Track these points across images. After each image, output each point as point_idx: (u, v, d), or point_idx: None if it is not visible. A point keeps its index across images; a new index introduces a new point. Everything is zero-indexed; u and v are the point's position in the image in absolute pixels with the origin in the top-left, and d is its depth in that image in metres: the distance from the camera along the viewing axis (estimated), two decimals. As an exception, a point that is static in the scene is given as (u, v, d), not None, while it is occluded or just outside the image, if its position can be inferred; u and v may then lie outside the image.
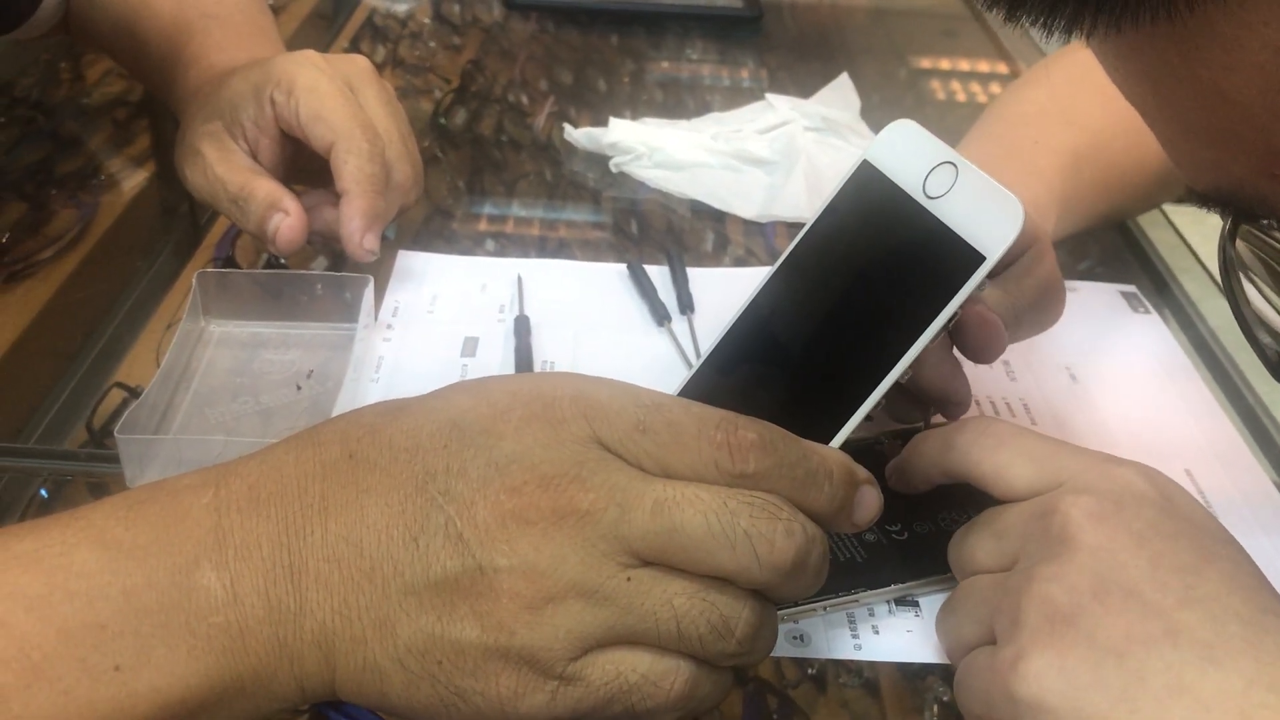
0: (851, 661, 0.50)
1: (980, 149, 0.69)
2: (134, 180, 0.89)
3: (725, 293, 0.72)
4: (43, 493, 0.59)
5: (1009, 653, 0.40)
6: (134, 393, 0.64)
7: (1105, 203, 0.73)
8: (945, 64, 1.21)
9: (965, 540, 0.47)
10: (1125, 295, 0.75)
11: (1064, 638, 0.39)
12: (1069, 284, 0.75)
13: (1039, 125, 0.71)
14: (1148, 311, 0.74)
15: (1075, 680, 0.38)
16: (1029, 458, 0.45)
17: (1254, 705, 0.36)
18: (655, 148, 0.89)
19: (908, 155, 0.46)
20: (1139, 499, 0.42)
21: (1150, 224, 0.86)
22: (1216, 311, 0.75)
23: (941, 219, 0.44)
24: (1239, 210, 0.37)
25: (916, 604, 0.51)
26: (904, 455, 0.51)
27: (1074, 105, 0.72)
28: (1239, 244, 0.40)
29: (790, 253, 0.49)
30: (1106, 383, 0.67)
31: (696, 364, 0.50)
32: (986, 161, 0.46)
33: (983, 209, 0.43)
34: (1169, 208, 0.88)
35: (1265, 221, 0.38)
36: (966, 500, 0.49)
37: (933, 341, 0.43)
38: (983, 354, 0.52)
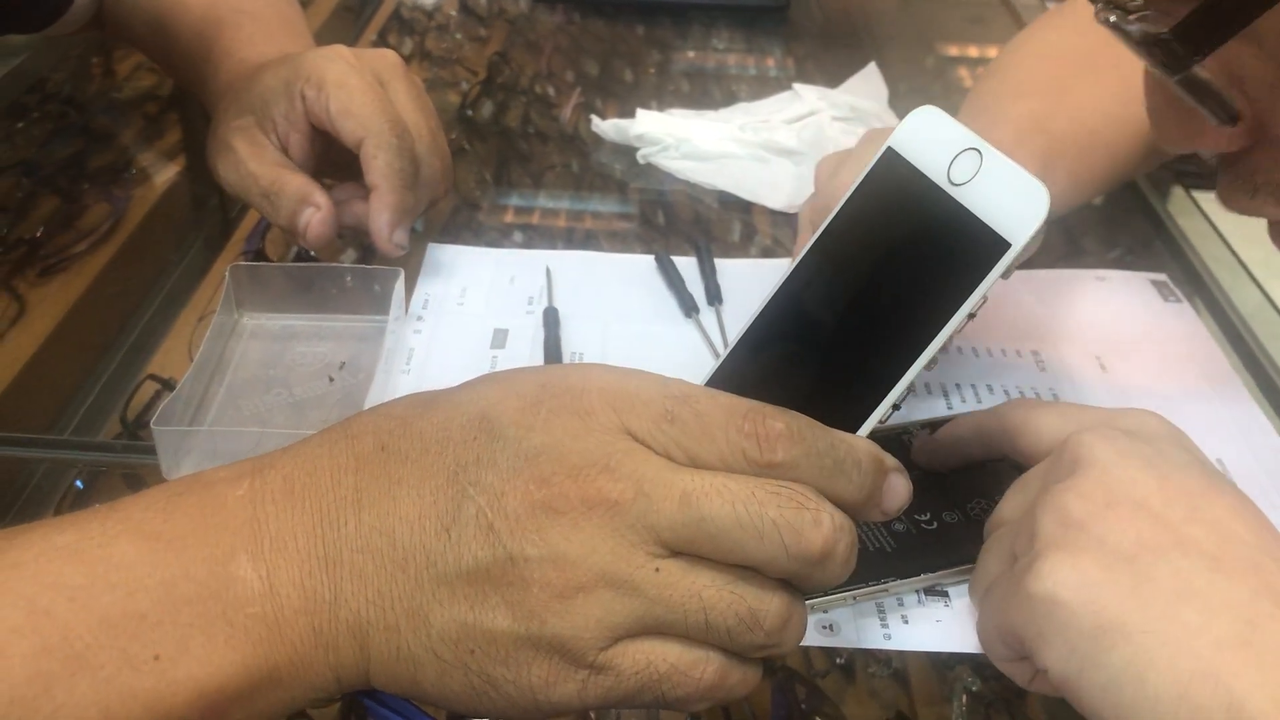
0: (880, 651, 0.50)
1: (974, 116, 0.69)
2: (165, 174, 0.90)
3: (753, 283, 0.72)
4: (78, 483, 0.60)
5: (1025, 560, 0.42)
6: (167, 385, 0.65)
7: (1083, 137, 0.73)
8: (973, 51, 1.20)
9: (994, 511, 0.49)
10: (1156, 284, 0.75)
11: (1077, 540, 0.41)
12: (1099, 273, 0.75)
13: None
14: (1179, 300, 0.73)
15: (1088, 578, 0.40)
16: (1057, 413, 0.49)
17: (1260, 615, 0.38)
18: (682, 139, 0.89)
19: (932, 141, 0.46)
20: (1151, 432, 0.45)
21: (1181, 212, 0.85)
22: (1248, 300, 0.75)
23: (966, 206, 0.44)
24: None
25: (946, 594, 0.51)
26: (936, 433, 0.52)
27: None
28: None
29: (815, 241, 0.49)
30: (1137, 372, 0.67)
31: (723, 354, 0.50)
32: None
33: (1008, 195, 0.43)
34: (1200, 195, 0.87)
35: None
36: (996, 490, 0.49)
37: (958, 330, 0.43)
38: None
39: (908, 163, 0.47)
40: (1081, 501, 0.42)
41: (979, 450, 0.52)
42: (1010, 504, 0.48)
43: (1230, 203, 0.49)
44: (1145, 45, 0.43)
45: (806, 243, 0.49)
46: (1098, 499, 0.42)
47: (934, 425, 0.58)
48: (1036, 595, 0.40)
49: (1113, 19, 0.44)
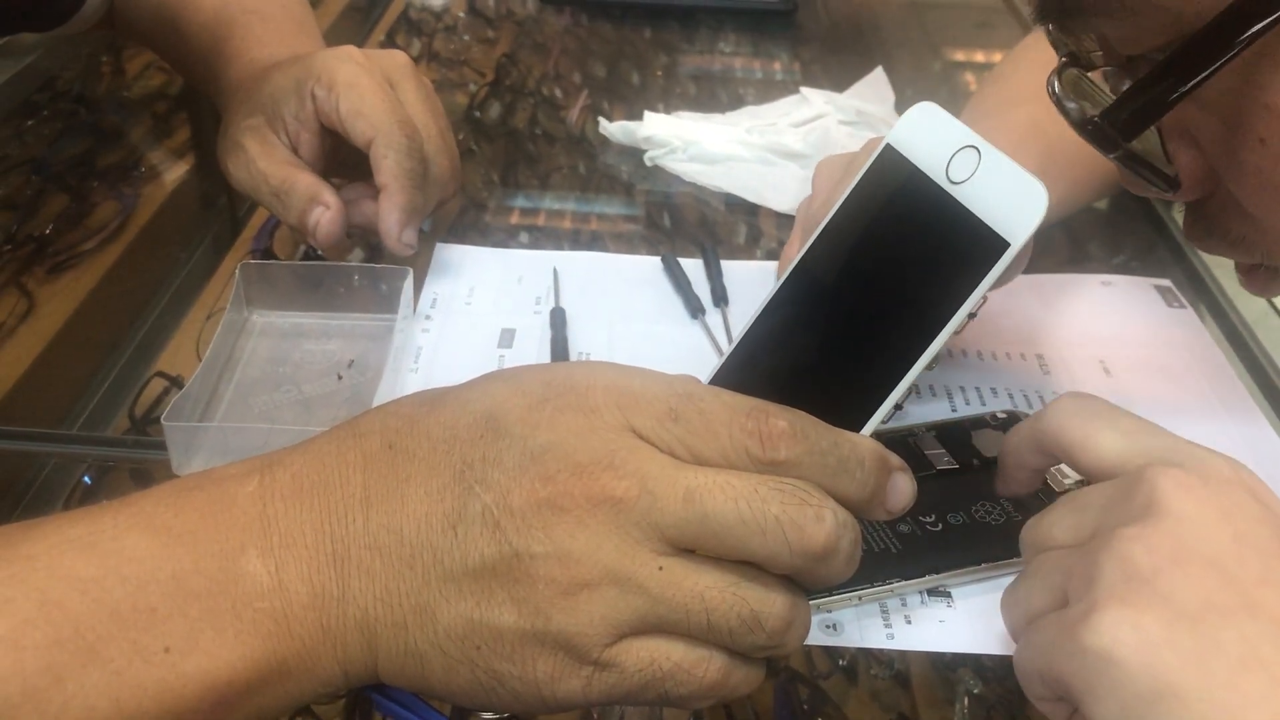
0: (883, 653, 0.50)
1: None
2: (174, 173, 0.90)
3: (759, 285, 0.73)
4: (86, 479, 0.60)
5: (1081, 608, 0.39)
6: (175, 382, 0.66)
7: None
8: (980, 56, 1.20)
9: (1041, 520, 0.45)
10: (1160, 289, 0.75)
11: (1140, 595, 0.38)
12: (1104, 278, 0.75)
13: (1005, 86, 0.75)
14: (1183, 306, 0.73)
15: (1149, 637, 0.37)
16: (1119, 430, 0.44)
17: None
18: (689, 141, 0.89)
19: (931, 138, 0.46)
20: (1227, 480, 0.42)
21: (1186, 218, 0.86)
22: (1252, 307, 0.75)
23: (965, 204, 0.43)
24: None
25: (949, 595, 0.51)
26: (1000, 450, 0.50)
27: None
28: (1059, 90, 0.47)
29: (816, 238, 0.49)
30: (1141, 377, 0.67)
31: (726, 353, 0.50)
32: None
33: (1006, 194, 0.42)
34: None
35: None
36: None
37: (959, 330, 0.43)
38: None
39: (906, 160, 0.47)
40: (1149, 554, 0.39)
41: (1040, 460, 0.48)
42: (1063, 524, 0.44)
43: (1193, 240, 0.50)
44: (1080, 125, 0.44)
45: (798, 243, 0.49)
46: (1165, 552, 0.39)
47: (939, 428, 0.58)
48: (1091, 649, 0.38)
49: (1056, 89, 0.46)
